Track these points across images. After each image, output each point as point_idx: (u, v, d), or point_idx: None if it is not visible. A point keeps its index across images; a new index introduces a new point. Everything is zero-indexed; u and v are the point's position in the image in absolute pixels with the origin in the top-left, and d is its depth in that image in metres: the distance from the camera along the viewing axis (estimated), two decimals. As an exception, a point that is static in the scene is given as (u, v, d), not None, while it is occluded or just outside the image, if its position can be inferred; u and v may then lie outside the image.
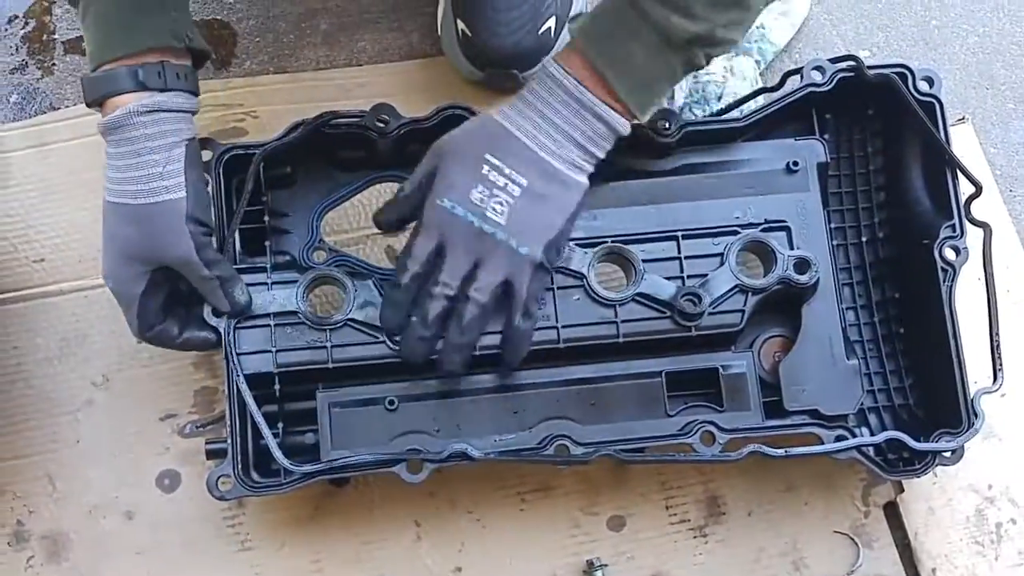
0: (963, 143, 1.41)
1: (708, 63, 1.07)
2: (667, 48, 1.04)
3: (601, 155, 1.10)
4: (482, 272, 1.09)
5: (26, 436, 1.28)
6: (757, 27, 1.43)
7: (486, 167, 1.08)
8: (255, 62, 1.48)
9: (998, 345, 1.17)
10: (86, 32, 1.11)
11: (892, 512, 1.28)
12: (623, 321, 1.17)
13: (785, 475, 1.28)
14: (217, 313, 1.14)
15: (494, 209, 1.07)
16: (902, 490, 1.28)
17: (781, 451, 1.14)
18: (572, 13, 1.40)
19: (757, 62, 1.43)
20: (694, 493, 1.28)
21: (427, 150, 1.17)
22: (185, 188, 1.08)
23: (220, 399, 1.28)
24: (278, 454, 1.10)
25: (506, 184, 1.07)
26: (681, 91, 1.40)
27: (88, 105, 1.11)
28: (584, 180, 1.10)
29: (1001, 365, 1.17)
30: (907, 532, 1.28)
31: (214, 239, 1.14)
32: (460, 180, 1.08)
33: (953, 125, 1.38)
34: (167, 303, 1.13)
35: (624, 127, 1.08)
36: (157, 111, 1.08)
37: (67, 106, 1.44)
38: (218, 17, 1.49)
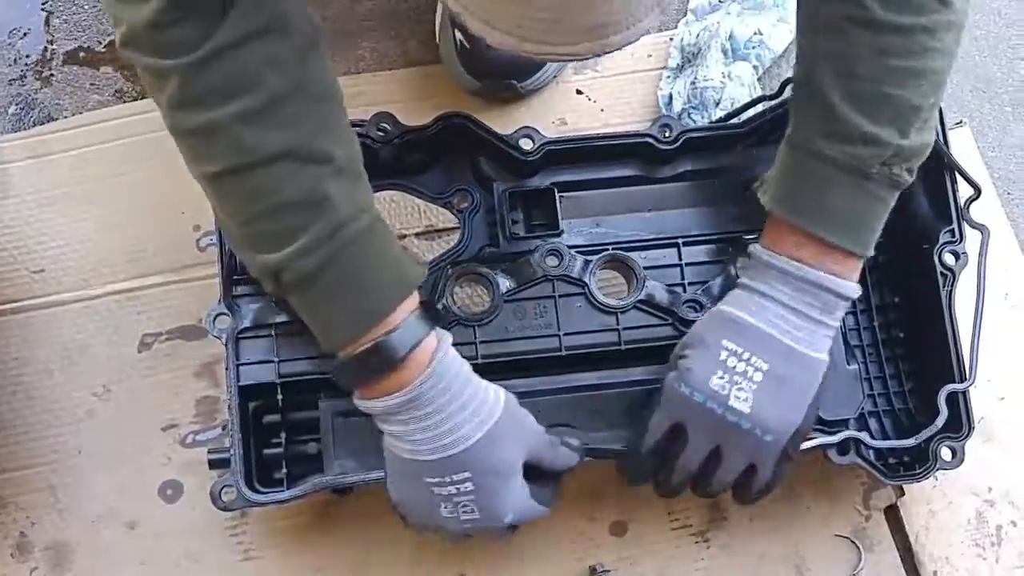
0: (961, 147, 1.41)
1: (914, 174, 1.03)
2: (865, 180, 1.01)
3: (836, 323, 1.06)
4: (726, 458, 1.06)
5: (28, 447, 1.28)
6: (755, 33, 1.44)
7: (724, 353, 1.04)
8: (254, 70, 1.47)
9: (978, 344, 1.17)
10: (323, 306, 1.00)
11: (893, 515, 1.29)
12: (625, 328, 1.18)
13: (787, 479, 1.28)
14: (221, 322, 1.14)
15: (736, 396, 1.04)
16: (903, 493, 1.29)
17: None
18: None
19: (755, 68, 1.43)
20: (695, 498, 1.27)
21: (428, 159, 1.17)
22: (501, 400, 1.05)
23: (222, 408, 1.28)
24: None
25: (746, 370, 1.04)
26: (680, 97, 1.41)
27: (360, 385, 1.02)
28: (824, 356, 1.06)
29: (976, 363, 1.16)
30: (908, 535, 1.28)
31: (212, 249, 1.12)
32: (699, 366, 1.05)
33: (951, 129, 1.39)
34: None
35: (854, 290, 1.04)
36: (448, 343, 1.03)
37: (65, 116, 1.44)
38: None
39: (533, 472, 1.08)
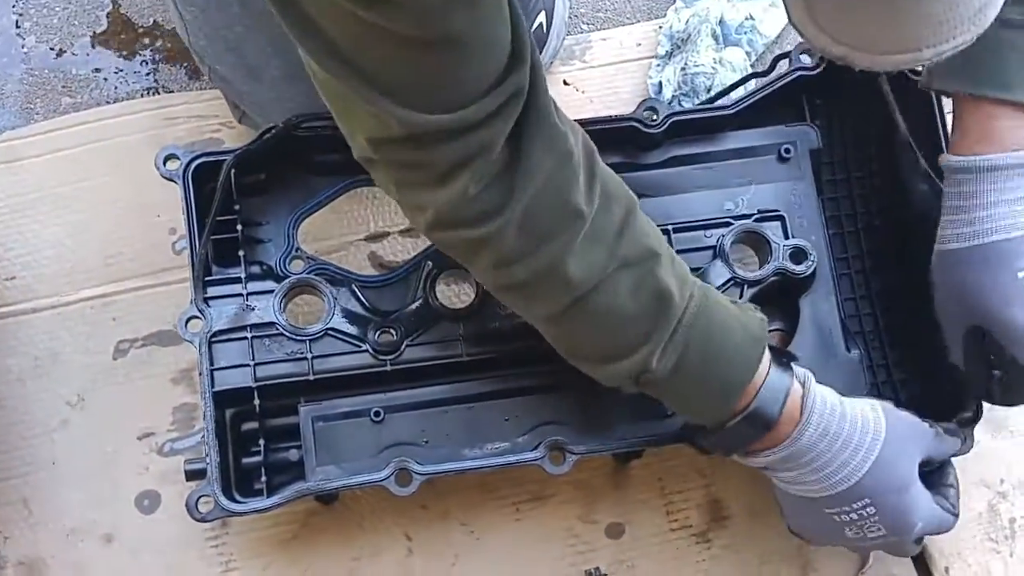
0: None
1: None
2: None
3: None
4: None
5: None
6: (746, 18, 1.40)
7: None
8: (231, 71, 1.44)
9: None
10: (692, 391, 1.01)
11: (902, 510, 1.24)
12: (616, 320, 1.13)
13: (789, 475, 1.24)
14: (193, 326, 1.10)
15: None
16: (911, 486, 1.24)
17: None
18: (560, 9, 1.37)
19: (747, 53, 1.40)
20: (695, 497, 1.24)
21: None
22: (882, 419, 1.04)
23: (200, 415, 1.23)
24: None
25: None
26: (670, 84, 1.37)
27: (739, 451, 1.03)
28: None
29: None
30: (918, 531, 1.24)
31: (187, 253, 1.11)
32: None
33: None
34: None
35: None
36: None
37: (36, 121, 1.40)
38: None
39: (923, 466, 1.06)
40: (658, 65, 1.41)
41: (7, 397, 1.26)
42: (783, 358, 1.02)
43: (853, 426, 1.01)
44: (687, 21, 1.41)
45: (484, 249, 0.93)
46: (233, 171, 1.14)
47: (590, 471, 1.22)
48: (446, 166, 0.88)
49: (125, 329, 1.28)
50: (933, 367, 1.17)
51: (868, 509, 1.02)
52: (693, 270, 1.13)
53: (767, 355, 1.00)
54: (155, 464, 1.24)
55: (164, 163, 1.14)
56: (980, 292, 1.04)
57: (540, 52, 1.34)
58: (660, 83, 1.38)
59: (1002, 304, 1.03)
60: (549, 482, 1.22)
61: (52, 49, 1.45)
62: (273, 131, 1.13)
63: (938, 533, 1.08)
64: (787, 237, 1.17)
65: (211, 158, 1.13)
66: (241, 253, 1.14)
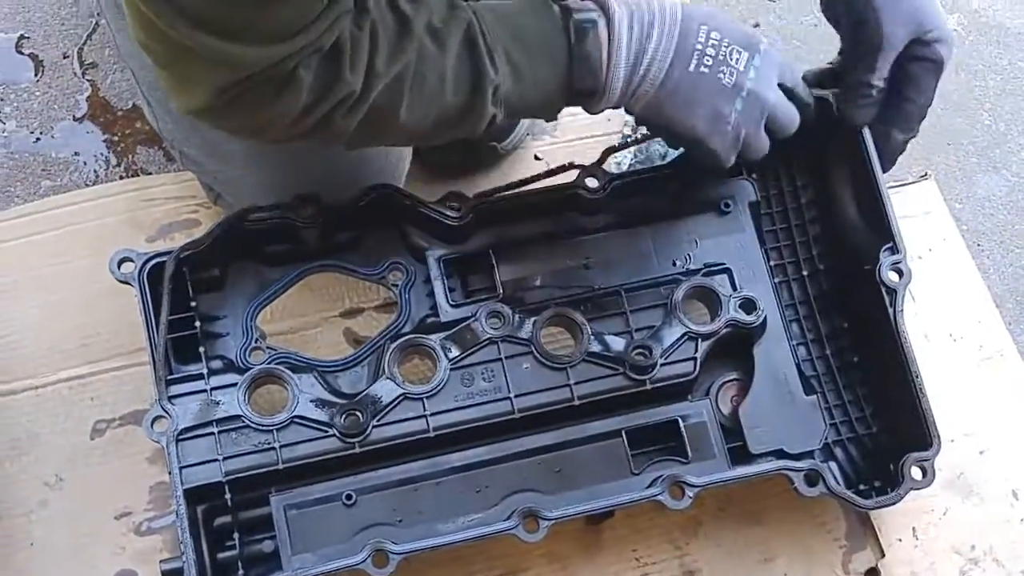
0: (927, 199, 1.42)
1: None
2: None
3: None
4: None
5: None
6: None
7: None
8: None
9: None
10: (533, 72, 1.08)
11: (874, 579, 1.25)
12: (576, 383, 1.15)
13: (762, 545, 1.24)
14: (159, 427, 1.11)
15: None
16: (883, 555, 1.24)
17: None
18: None
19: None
20: (670, 568, 1.24)
21: (356, 236, 1.16)
22: None
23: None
24: None
25: None
26: (628, 154, 1.40)
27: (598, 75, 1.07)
28: None
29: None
30: (890, 599, 1.24)
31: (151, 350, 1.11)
32: None
33: (916, 182, 1.41)
34: None
35: None
36: None
37: (16, 204, 1.42)
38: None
39: None
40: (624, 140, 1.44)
41: (-14, 478, 1.25)
42: None
43: None
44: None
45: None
46: (187, 269, 1.15)
47: (563, 540, 1.21)
48: (283, 73, 0.93)
49: (102, 409, 1.29)
50: (889, 401, 1.20)
51: (712, 34, 1.07)
52: (647, 327, 1.17)
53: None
54: (132, 544, 1.23)
55: (119, 267, 1.14)
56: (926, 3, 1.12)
57: (513, 130, 1.40)
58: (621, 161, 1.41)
59: (936, 9, 1.12)
60: (524, 555, 1.22)
61: (32, 133, 1.48)
62: (219, 225, 1.15)
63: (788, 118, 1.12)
64: (735, 289, 1.20)
65: (165, 259, 1.14)
66: (201, 349, 1.15)
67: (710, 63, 1.07)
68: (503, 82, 1.04)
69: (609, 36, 1.05)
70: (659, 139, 1.36)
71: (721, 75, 1.08)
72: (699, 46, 1.07)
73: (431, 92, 1.02)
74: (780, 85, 1.11)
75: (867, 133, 1.18)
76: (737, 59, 1.08)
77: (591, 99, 1.08)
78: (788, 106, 1.12)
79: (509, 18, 1.05)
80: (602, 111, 1.10)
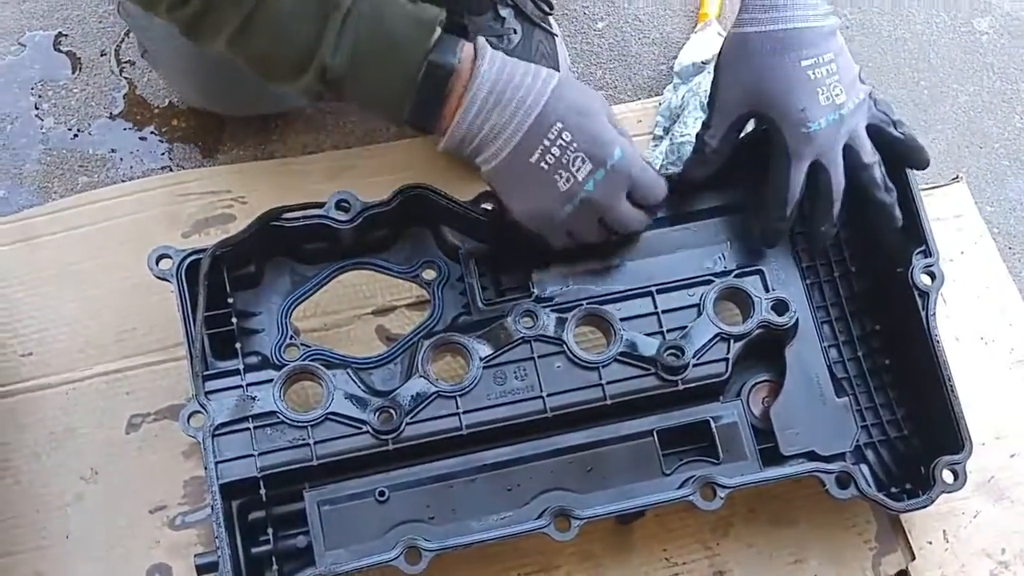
0: (958, 202, 1.41)
1: None
2: None
3: None
4: (861, 151, 1.15)
5: (14, 533, 1.24)
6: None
7: (809, 72, 1.12)
8: (242, 148, 1.48)
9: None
10: (373, 81, 1.09)
11: (904, 582, 1.25)
12: (608, 383, 1.15)
13: (792, 546, 1.25)
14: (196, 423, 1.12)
15: (837, 96, 1.12)
16: (913, 557, 1.24)
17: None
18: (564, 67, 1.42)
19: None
20: (700, 568, 1.24)
21: (391, 235, 1.17)
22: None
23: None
24: None
25: (827, 70, 1.12)
26: (660, 155, 1.40)
27: (437, 115, 1.09)
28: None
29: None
30: (920, 603, 1.24)
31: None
32: (806, 100, 1.12)
33: (947, 184, 1.41)
34: None
35: None
36: None
37: (53, 199, 1.44)
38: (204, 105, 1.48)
39: None
40: (654, 143, 1.45)
41: (23, 472, 1.27)
42: (454, 32, 1.08)
43: (527, 67, 1.08)
44: (683, 97, 1.46)
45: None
46: (224, 266, 1.16)
47: (593, 539, 1.22)
48: None
49: (138, 404, 1.30)
50: (921, 404, 1.20)
51: (564, 135, 1.07)
52: (679, 328, 1.17)
53: (439, 30, 1.06)
54: (166, 537, 1.25)
55: (157, 263, 1.16)
56: (766, 76, 1.12)
57: None
58: (654, 160, 1.41)
59: (784, 91, 1.11)
60: (555, 553, 1.23)
61: (70, 130, 1.50)
62: (255, 223, 1.17)
63: (647, 187, 1.13)
64: (767, 290, 1.20)
65: (202, 255, 1.16)
66: (238, 345, 1.16)
67: (552, 162, 1.08)
68: (336, 63, 1.05)
69: (464, 88, 1.07)
70: (690, 139, 1.37)
71: (558, 177, 1.09)
72: (547, 142, 1.07)
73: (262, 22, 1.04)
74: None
75: (898, 135, 1.18)
76: (579, 168, 1.08)
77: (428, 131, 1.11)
78: (632, 213, 1.14)
79: (385, 18, 1.06)
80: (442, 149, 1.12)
